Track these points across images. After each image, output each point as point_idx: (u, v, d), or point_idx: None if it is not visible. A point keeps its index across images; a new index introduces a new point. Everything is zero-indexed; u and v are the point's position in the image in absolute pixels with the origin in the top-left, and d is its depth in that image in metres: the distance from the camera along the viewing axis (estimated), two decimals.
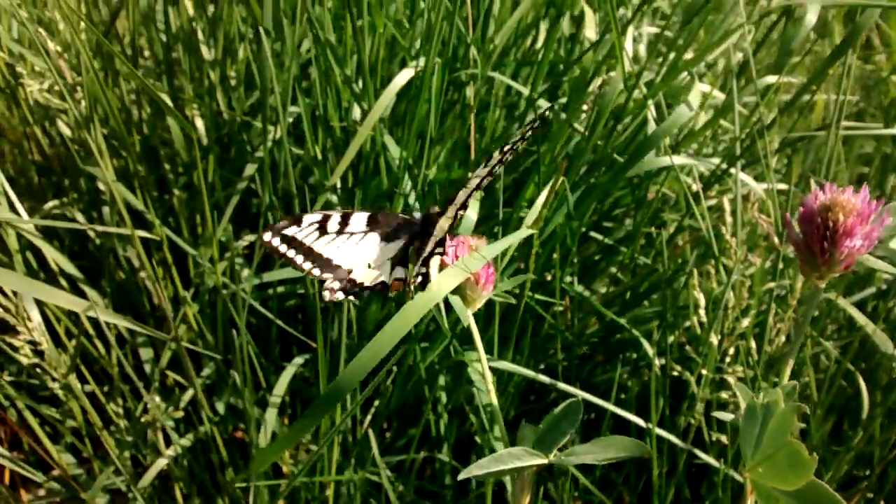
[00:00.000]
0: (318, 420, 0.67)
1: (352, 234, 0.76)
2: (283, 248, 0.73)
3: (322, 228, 0.74)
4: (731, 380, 1.01)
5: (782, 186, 1.22)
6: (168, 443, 1.21)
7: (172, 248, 1.16)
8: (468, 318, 0.72)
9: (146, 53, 1.36)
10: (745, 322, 0.98)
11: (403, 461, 1.20)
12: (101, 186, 1.29)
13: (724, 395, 1.03)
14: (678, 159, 1.01)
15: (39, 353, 1.00)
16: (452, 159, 1.21)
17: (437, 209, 0.75)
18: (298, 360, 1.12)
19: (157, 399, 1.14)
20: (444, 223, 0.72)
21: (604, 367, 1.30)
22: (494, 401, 0.75)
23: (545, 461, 0.70)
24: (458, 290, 0.74)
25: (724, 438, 1.03)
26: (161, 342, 1.30)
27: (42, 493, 1.24)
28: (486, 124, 1.24)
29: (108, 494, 1.20)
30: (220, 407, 1.19)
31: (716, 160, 1.06)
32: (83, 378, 1.13)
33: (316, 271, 0.73)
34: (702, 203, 1.03)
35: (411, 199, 1.06)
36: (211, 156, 1.25)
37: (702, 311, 1.01)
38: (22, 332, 0.97)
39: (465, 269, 0.71)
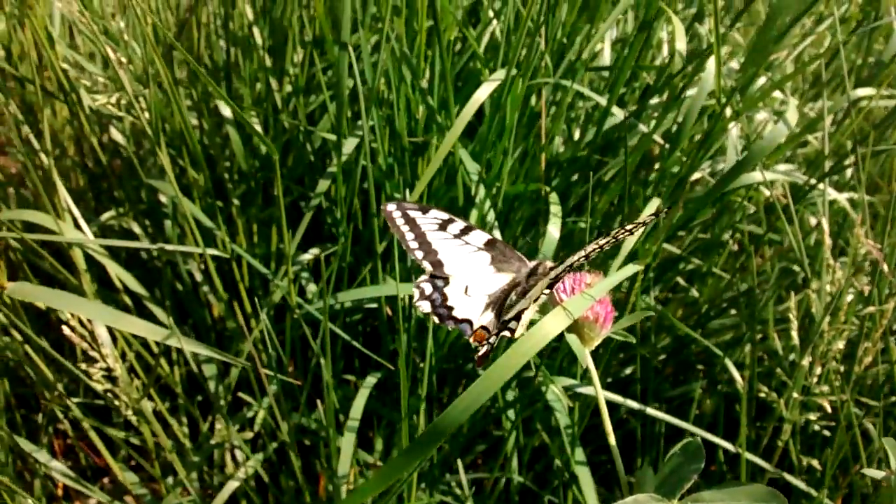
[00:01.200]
0: (411, 465, 0.64)
1: (467, 243, 0.74)
2: (400, 222, 0.72)
3: (443, 226, 0.73)
4: (822, 402, 0.98)
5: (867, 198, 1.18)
6: (236, 463, 1.19)
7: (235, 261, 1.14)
8: (587, 359, 0.69)
9: (206, 61, 1.32)
10: (840, 345, 0.95)
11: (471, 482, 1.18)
12: (163, 199, 1.26)
13: (812, 416, 1.00)
14: (770, 174, 0.98)
15: (112, 379, 0.98)
16: (521, 170, 1.18)
17: (549, 263, 0.73)
18: (371, 379, 1.09)
19: (223, 421, 1.12)
20: (542, 285, 0.69)
21: (674, 380, 1.27)
22: (612, 440, 0.72)
23: None
24: (574, 329, 0.71)
25: (815, 463, 1.00)
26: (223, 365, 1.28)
27: None
28: (554, 131, 1.20)
29: None
30: (285, 427, 1.17)
31: (802, 175, 1.03)
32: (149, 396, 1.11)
33: (419, 253, 0.72)
34: (793, 218, 0.99)
35: (490, 217, 1.03)
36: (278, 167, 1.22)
37: (794, 333, 0.97)
38: (94, 356, 0.95)
39: (570, 315, 0.68)
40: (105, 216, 1.28)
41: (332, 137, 1.13)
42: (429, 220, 0.73)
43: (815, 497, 0.99)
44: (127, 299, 1.18)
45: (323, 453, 1.16)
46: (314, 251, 1.24)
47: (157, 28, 0.99)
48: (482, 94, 1.00)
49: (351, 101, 1.20)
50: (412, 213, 0.73)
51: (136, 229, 1.30)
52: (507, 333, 0.68)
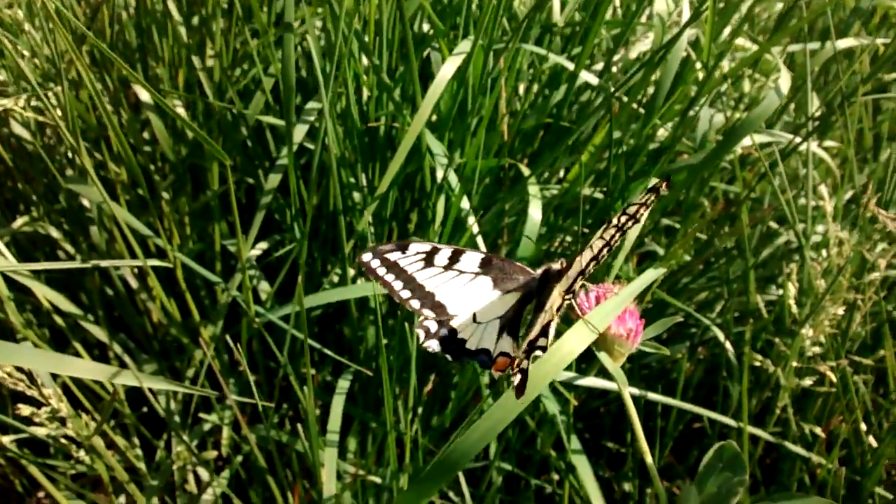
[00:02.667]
0: (422, 501, 0.58)
1: (461, 272, 0.66)
2: (381, 272, 0.64)
3: (428, 260, 0.65)
4: (822, 368, 0.95)
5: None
6: (198, 483, 1.10)
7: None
8: (621, 376, 0.63)
9: (119, 47, 1.17)
10: (840, 311, 0.92)
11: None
12: (86, 202, 1.12)
13: (808, 381, 0.98)
14: (759, 137, 0.93)
15: (60, 420, 0.87)
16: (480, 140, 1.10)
17: (558, 265, 0.65)
18: (344, 383, 1.01)
19: (180, 442, 1.02)
20: (559, 290, 0.62)
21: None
22: (645, 447, 0.66)
23: None
24: (604, 345, 0.65)
25: (818, 430, 0.98)
26: (171, 374, 1.18)
27: None
28: (520, 102, 1.13)
29: None
30: (252, 437, 1.09)
31: (786, 135, 0.98)
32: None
33: (415, 303, 0.64)
34: (783, 180, 0.95)
35: (464, 205, 0.95)
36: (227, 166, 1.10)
37: (792, 302, 0.94)
38: (37, 398, 0.84)
39: (593, 329, 0.61)
40: (17, 223, 1.14)
41: (280, 123, 1.02)
42: (412, 259, 0.65)
43: (811, 461, 0.97)
44: (59, 319, 1.06)
45: (296, 465, 1.08)
46: (262, 245, 1.14)
47: (62, 13, 0.85)
48: (447, 71, 0.91)
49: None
50: (392, 257, 0.64)
51: (55, 234, 1.16)
52: (539, 353, 0.61)
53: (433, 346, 0.64)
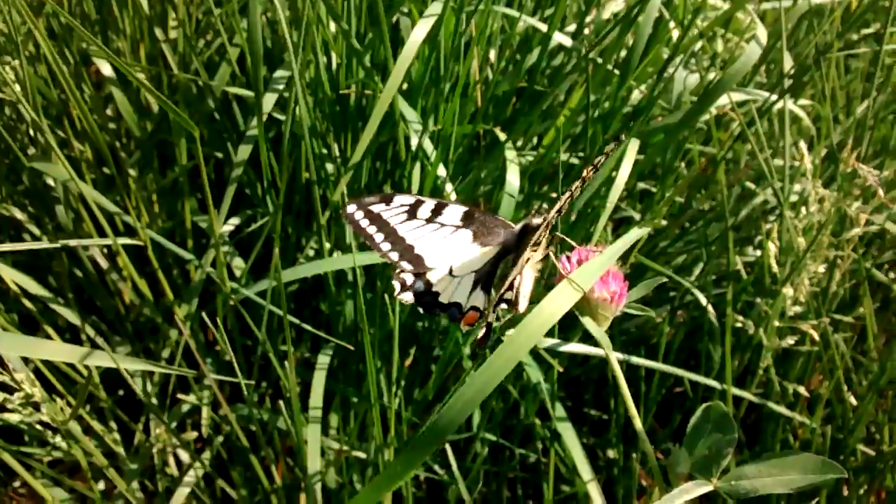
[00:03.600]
0: (408, 472, 0.57)
1: (442, 225, 0.66)
2: (364, 224, 0.64)
3: (412, 212, 0.65)
4: (805, 327, 0.95)
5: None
6: (179, 465, 1.08)
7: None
8: (605, 341, 0.62)
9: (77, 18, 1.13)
10: (821, 269, 0.92)
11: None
12: (50, 181, 1.09)
13: (790, 341, 0.98)
14: (736, 95, 0.92)
15: (34, 405, 0.84)
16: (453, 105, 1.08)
17: (539, 219, 0.64)
18: (324, 359, 0.99)
19: (159, 423, 1.00)
20: (529, 245, 0.62)
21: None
22: (633, 412, 0.65)
23: (711, 487, 0.62)
24: (587, 310, 0.63)
25: (801, 390, 0.98)
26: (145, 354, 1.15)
27: None
28: (492, 67, 1.11)
29: None
30: (232, 416, 1.07)
31: (763, 93, 0.97)
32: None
33: (394, 255, 0.64)
34: (759, 132, 0.94)
35: (440, 172, 0.93)
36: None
37: (773, 262, 0.94)
38: (9, 384, 0.81)
39: (577, 287, 0.60)
40: None
41: (248, 94, 0.99)
42: (395, 211, 0.65)
43: (793, 421, 0.97)
44: (28, 303, 1.03)
45: (277, 443, 1.07)
46: (234, 221, 1.11)
47: None
48: (417, 35, 0.88)
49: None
50: (375, 209, 0.64)
51: (19, 215, 1.13)
52: (503, 306, 0.62)
53: (407, 297, 0.64)
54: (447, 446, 0.96)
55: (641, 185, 1.20)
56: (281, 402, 0.91)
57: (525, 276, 0.64)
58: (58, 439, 0.88)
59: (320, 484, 0.91)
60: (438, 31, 0.91)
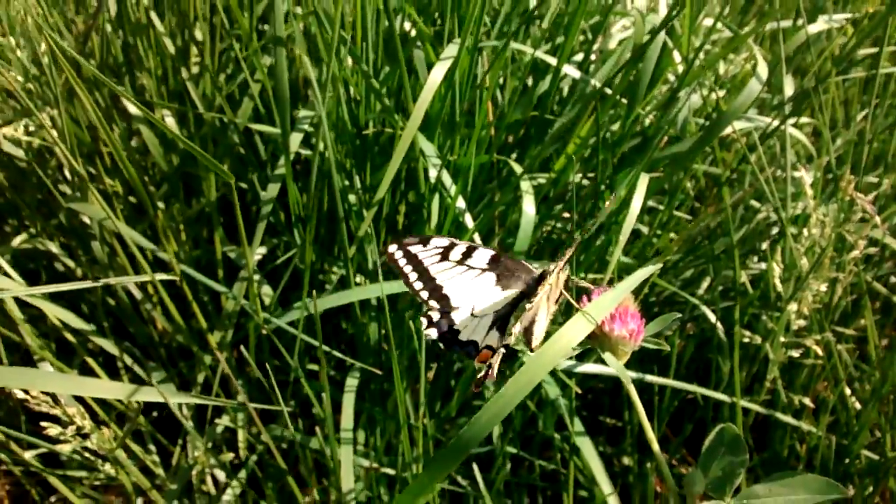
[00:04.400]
0: (434, 484, 0.62)
1: (470, 267, 0.70)
2: (402, 263, 0.69)
3: (444, 254, 0.70)
4: (808, 342, 1.00)
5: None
6: (216, 483, 1.13)
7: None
8: (625, 375, 0.67)
9: (108, 62, 1.18)
10: (823, 287, 0.96)
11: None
12: (86, 219, 1.14)
13: (795, 353, 1.03)
14: (739, 124, 0.97)
15: (84, 436, 0.90)
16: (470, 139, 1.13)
17: (553, 265, 0.69)
18: (352, 381, 1.04)
19: (196, 445, 1.06)
20: (543, 287, 0.67)
21: None
22: (650, 434, 0.70)
23: None
24: (607, 345, 0.69)
25: (806, 400, 1.03)
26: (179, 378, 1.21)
27: None
28: (504, 95, 1.15)
29: None
30: (266, 437, 1.12)
31: (765, 119, 1.02)
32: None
33: (424, 294, 0.69)
34: (763, 161, 0.99)
35: (459, 204, 0.98)
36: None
37: (777, 281, 0.98)
38: (63, 418, 0.87)
39: (591, 319, 0.65)
40: (17, 241, 1.16)
41: (274, 131, 1.04)
42: (430, 252, 0.70)
43: (800, 429, 1.02)
44: (69, 336, 1.08)
45: (309, 461, 1.12)
46: (261, 250, 1.16)
47: (57, 42, 0.86)
48: (435, 76, 0.93)
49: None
50: (413, 249, 0.69)
51: (55, 249, 1.18)
52: (502, 350, 0.66)
53: (432, 334, 0.68)
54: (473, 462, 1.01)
55: (650, 203, 1.24)
56: (311, 423, 0.96)
57: (540, 317, 0.68)
58: (106, 466, 0.93)
59: (354, 501, 0.96)
60: (454, 72, 0.95)
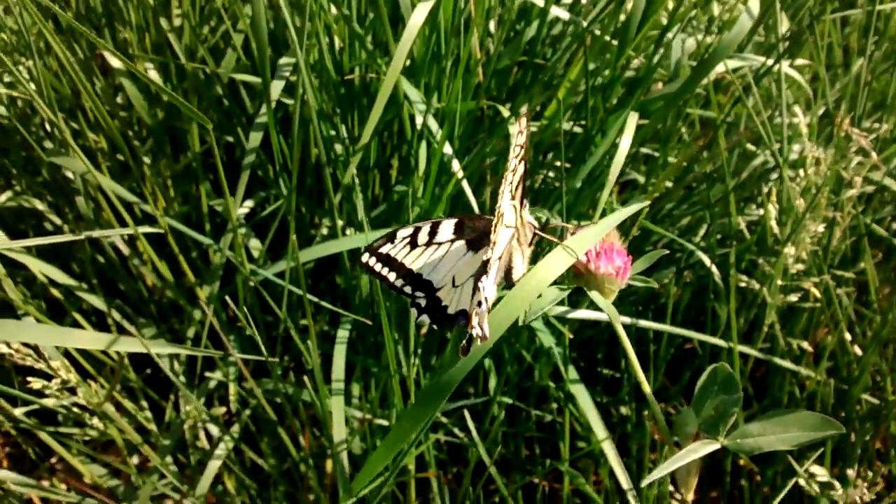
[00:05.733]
0: (417, 428, 0.61)
1: (439, 244, 0.69)
2: (378, 268, 0.68)
3: (413, 242, 0.68)
4: (806, 285, 0.98)
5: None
6: (209, 439, 1.12)
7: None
8: (614, 314, 0.65)
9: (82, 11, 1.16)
10: (820, 228, 0.94)
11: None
12: (69, 174, 1.12)
13: (793, 298, 1.01)
14: (732, 62, 0.94)
15: (72, 391, 0.89)
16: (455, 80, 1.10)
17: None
18: (343, 333, 1.03)
19: (189, 400, 1.05)
20: (497, 226, 0.64)
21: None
22: (642, 378, 0.69)
23: (718, 446, 0.66)
24: (594, 284, 0.67)
25: (805, 345, 1.01)
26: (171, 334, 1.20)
27: None
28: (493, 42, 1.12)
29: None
30: (258, 391, 1.11)
31: (759, 58, 0.99)
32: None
33: (407, 289, 0.68)
34: (755, 95, 0.96)
35: (446, 150, 0.96)
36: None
37: (773, 223, 0.96)
38: (45, 371, 0.86)
39: (572, 253, 0.63)
40: (1, 198, 1.14)
41: (255, 80, 1.02)
42: (399, 246, 0.68)
43: (799, 374, 1.01)
44: (55, 292, 1.07)
45: (303, 414, 1.11)
46: (249, 204, 1.14)
47: None
48: (418, 17, 0.91)
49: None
50: (384, 250, 0.67)
51: (41, 206, 1.17)
52: (481, 306, 0.61)
53: (424, 319, 0.68)
54: (465, 412, 1.00)
55: (644, 149, 1.22)
56: (304, 376, 0.95)
57: (516, 262, 0.67)
58: (94, 420, 0.92)
59: (346, 451, 0.95)
60: (438, 12, 0.93)
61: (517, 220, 0.66)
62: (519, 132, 0.62)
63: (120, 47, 1.18)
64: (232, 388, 1.08)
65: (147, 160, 1.18)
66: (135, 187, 1.21)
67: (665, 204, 1.18)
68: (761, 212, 1.16)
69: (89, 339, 0.82)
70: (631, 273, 0.68)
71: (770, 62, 0.97)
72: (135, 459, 1.16)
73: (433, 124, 0.97)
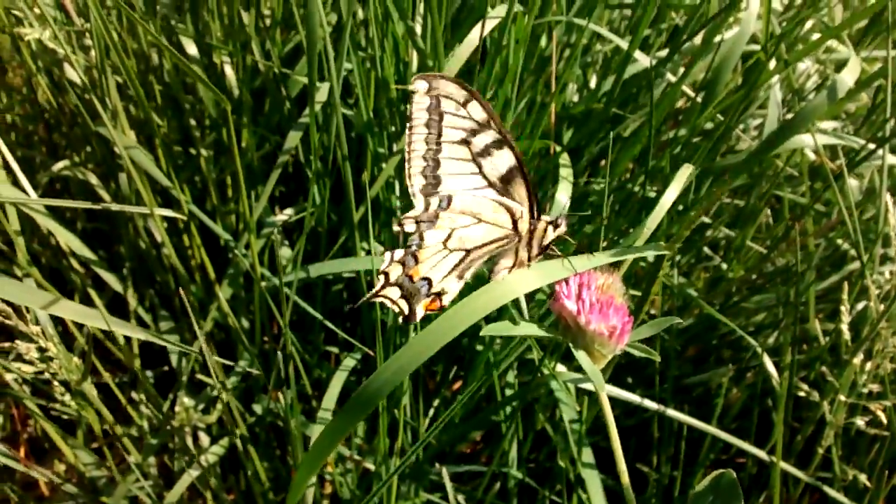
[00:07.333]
0: (338, 440, 0.53)
1: (483, 174, 0.60)
2: (421, 116, 0.57)
3: (474, 132, 0.58)
4: (874, 407, 0.83)
5: None
6: (198, 446, 1.06)
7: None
8: (598, 378, 0.54)
9: None
10: None
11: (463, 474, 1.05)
12: (117, 149, 1.10)
13: (860, 421, 0.86)
14: (822, 138, 0.82)
15: (49, 359, 0.84)
16: (527, 122, 1.02)
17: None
18: (349, 362, 0.95)
19: (184, 401, 0.99)
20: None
21: (696, 364, 1.13)
22: (616, 443, 0.57)
23: None
24: (582, 343, 0.56)
25: (862, 477, 0.86)
26: (190, 333, 1.15)
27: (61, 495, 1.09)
28: (567, 78, 1.04)
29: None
30: (258, 408, 1.05)
31: (859, 139, 0.86)
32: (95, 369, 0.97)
33: (417, 180, 0.59)
34: (846, 188, 0.84)
35: None
36: (244, 115, 1.07)
37: (845, 326, 0.83)
38: (27, 334, 0.81)
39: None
40: (57, 166, 1.14)
41: (301, 78, 0.97)
42: (461, 121, 0.57)
43: None
44: (76, 263, 1.04)
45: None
46: (288, 212, 1.09)
47: None
48: (476, 33, 0.84)
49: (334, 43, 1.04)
50: (444, 105, 0.56)
51: (94, 180, 1.15)
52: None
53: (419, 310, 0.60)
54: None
55: (727, 231, 1.10)
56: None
57: (500, 266, 0.60)
58: (66, 398, 0.87)
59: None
60: (503, 35, 0.86)
61: (522, 225, 0.59)
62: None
63: (200, 35, 1.16)
64: (224, 396, 1.02)
65: (205, 153, 1.15)
66: (193, 179, 1.19)
67: (735, 297, 1.05)
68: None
69: (72, 311, 0.78)
70: (630, 338, 0.57)
71: (871, 146, 0.84)
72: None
73: None
